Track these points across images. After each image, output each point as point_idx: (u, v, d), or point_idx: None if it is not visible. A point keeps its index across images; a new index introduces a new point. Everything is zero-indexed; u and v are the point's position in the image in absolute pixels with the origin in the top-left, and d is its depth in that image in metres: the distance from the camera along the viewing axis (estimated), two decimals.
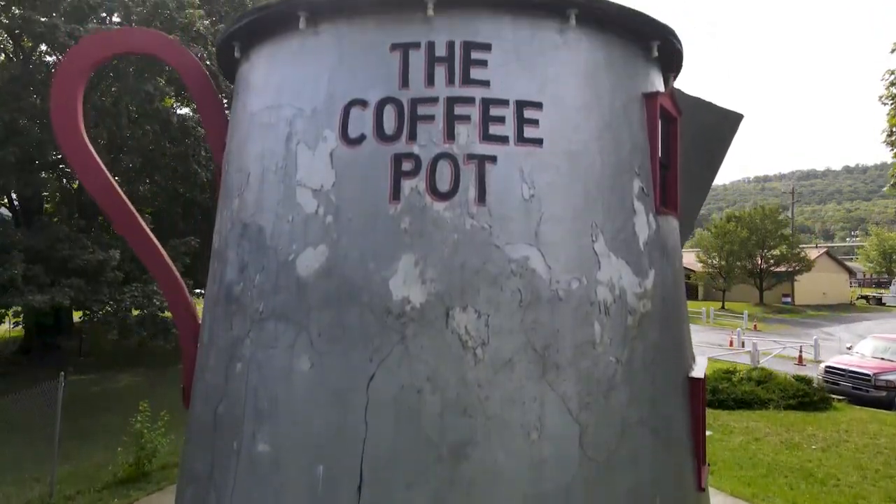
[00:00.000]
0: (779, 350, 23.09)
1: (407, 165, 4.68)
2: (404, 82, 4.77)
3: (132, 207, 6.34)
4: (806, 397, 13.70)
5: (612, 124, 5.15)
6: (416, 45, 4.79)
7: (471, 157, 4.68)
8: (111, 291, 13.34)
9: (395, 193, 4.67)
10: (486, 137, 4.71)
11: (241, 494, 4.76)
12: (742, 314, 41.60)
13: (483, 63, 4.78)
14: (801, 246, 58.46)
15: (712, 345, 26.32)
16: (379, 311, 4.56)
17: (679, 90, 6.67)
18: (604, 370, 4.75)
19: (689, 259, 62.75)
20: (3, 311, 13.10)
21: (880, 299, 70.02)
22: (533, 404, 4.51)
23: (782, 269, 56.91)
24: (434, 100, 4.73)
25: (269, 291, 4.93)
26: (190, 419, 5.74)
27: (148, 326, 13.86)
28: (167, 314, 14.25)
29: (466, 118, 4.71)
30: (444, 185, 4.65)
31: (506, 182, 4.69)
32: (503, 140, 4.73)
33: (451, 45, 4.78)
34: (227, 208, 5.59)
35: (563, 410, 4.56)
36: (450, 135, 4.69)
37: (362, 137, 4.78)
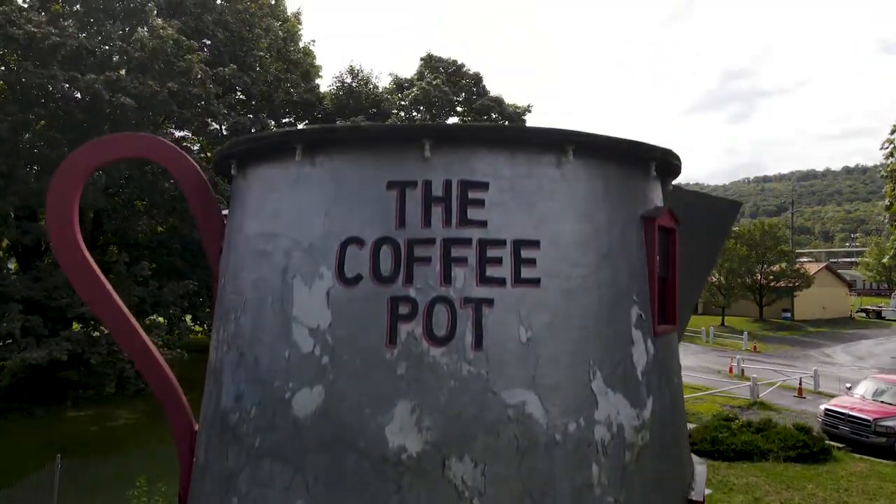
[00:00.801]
0: (779, 380, 23.06)
1: (404, 309, 4.66)
2: (401, 222, 4.75)
3: (133, 320, 6.31)
4: (806, 448, 13.66)
5: (609, 254, 5.13)
6: (413, 184, 4.77)
7: (468, 300, 4.66)
8: (109, 342, 13.33)
9: (392, 338, 4.64)
10: (483, 280, 4.69)
11: None
12: (742, 334, 41.59)
13: (480, 202, 4.77)
14: (800, 260, 58.59)
15: (711, 371, 26.31)
16: (375, 459, 4.53)
17: (678, 187, 6.67)
18: None
19: None
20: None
21: (880, 313, 70.01)
22: None
23: (782, 284, 57.03)
24: (431, 241, 4.71)
25: (265, 428, 4.90)
26: None
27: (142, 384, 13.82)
28: (168, 355, 14.21)
29: (463, 260, 4.69)
30: (440, 329, 4.62)
31: (503, 326, 4.67)
32: (500, 282, 4.70)
33: (448, 185, 4.76)
34: (224, 329, 5.56)
35: None
36: (446, 278, 4.67)
37: (359, 278, 4.76)
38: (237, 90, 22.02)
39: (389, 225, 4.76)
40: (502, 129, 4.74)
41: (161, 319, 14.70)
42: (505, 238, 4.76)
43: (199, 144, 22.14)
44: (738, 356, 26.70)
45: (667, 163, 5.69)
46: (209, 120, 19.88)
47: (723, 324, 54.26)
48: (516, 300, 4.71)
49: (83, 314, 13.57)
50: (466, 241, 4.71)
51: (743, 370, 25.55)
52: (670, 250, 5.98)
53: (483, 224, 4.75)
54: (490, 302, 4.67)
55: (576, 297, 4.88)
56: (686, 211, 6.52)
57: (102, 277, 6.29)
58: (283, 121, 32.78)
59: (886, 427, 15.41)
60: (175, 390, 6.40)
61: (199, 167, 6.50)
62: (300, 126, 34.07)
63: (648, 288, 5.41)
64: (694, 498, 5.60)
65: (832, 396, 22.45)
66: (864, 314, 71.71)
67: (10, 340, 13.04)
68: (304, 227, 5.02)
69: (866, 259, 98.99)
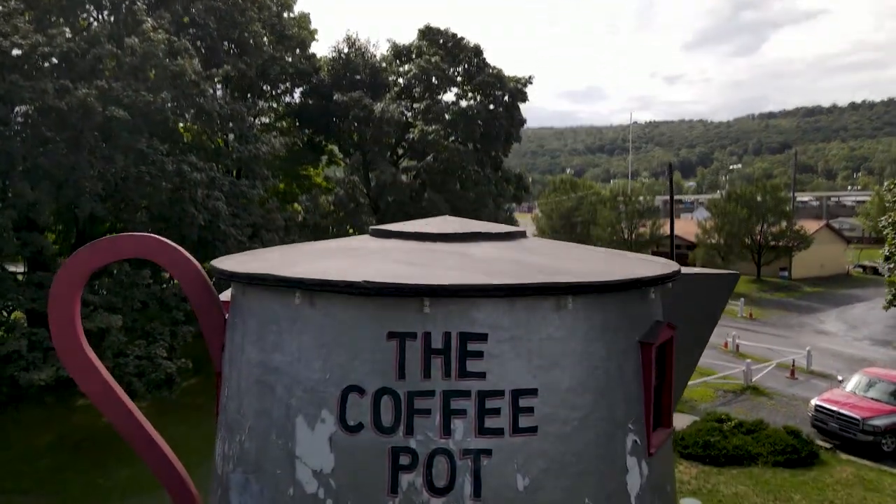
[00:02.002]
0: (773, 362, 23.50)
1: (404, 460, 4.78)
2: (401, 374, 4.82)
3: (136, 411, 6.45)
4: (794, 454, 14.12)
5: (606, 389, 5.22)
6: (413, 336, 4.82)
7: (466, 452, 4.78)
8: (114, 357, 13.56)
9: (393, 487, 4.79)
10: (482, 432, 4.79)
11: None
12: (738, 300, 42.02)
13: (479, 354, 4.82)
14: (799, 222, 58.64)
15: (708, 346, 26.81)
16: None
17: (683, 274, 6.66)
18: None
19: (690, 230, 62.98)
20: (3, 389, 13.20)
21: (876, 269, 70.46)
22: None
23: (781, 244, 57.18)
24: (430, 393, 4.79)
25: None
26: None
27: (152, 387, 14.09)
28: (169, 367, 14.47)
29: (462, 412, 4.79)
30: (440, 480, 4.76)
31: (501, 475, 4.80)
32: (499, 433, 4.81)
33: (447, 337, 4.80)
34: (230, 446, 5.70)
35: None
36: (446, 430, 4.78)
37: (360, 426, 4.86)
38: (231, 77, 21.52)
39: (389, 376, 4.83)
40: (502, 287, 4.73)
41: (162, 325, 14.91)
42: (503, 389, 4.84)
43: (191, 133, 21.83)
44: (733, 333, 27.14)
45: (668, 279, 5.70)
46: (202, 103, 19.57)
47: None
48: (514, 450, 4.83)
49: (87, 331, 13.73)
50: (465, 394, 4.79)
51: (738, 346, 26.02)
52: (668, 357, 6.06)
53: (482, 375, 4.82)
54: (488, 452, 4.79)
55: (572, 439, 5.00)
56: (686, 292, 6.57)
57: (105, 373, 6.39)
58: (279, 89, 32.15)
59: (874, 426, 15.87)
60: (180, 476, 6.60)
61: (198, 266, 6.51)
62: (297, 94, 33.46)
63: (644, 410, 5.53)
64: None
65: (824, 376, 22.98)
66: (861, 269, 72.35)
67: (17, 357, 13.28)
68: (304, 368, 5.09)
69: (867, 207, 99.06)
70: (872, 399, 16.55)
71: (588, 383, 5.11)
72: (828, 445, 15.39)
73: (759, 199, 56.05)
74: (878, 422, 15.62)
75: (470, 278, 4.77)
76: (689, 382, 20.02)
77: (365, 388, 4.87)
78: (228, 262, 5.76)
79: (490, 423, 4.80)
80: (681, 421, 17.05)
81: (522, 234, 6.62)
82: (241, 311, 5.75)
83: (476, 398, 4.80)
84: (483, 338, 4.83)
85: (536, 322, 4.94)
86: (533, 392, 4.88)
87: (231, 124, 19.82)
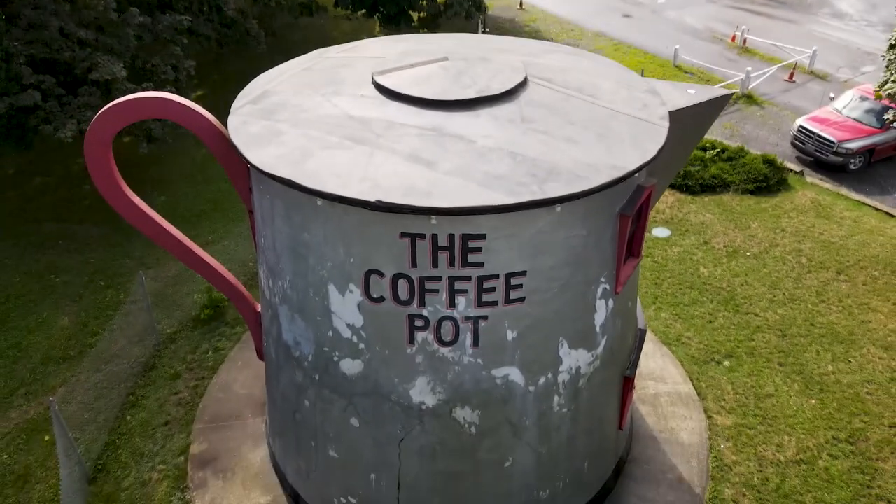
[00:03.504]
0: (776, 61, 23.20)
1: (419, 322, 6.07)
2: (413, 263, 5.77)
3: (178, 233, 7.50)
4: (764, 182, 15.38)
5: (584, 260, 6.21)
6: (422, 237, 5.63)
7: (467, 318, 6.03)
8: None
9: (411, 339, 6.18)
10: (480, 304, 5.97)
11: (322, 474, 7.53)
12: None
13: (478, 249, 5.70)
14: None
15: (715, 39, 26.08)
16: (404, 406, 6.57)
17: (672, 112, 7.04)
18: (558, 421, 6.97)
19: None
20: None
21: None
22: (508, 449, 6.90)
23: None
24: (438, 278, 5.82)
25: (322, 370, 6.80)
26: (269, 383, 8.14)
27: (169, 130, 14.55)
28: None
29: (464, 292, 5.89)
30: (447, 336, 6.13)
31: (495, 331, 6.14)
32: (493, 304, 5.99)
33: (451, 237, 5.62)
34: (274, 283, 6.93)
35: (527, 449, 6.97)
36: (451, 303, 5.95)
37: (382, 298, 6.02)
38: None
39: (404, 265, 5.80)
40: (498, 207, 5.27)
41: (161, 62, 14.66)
42: (498, 273, 5.85)
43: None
44: (742, 26, 26.00)
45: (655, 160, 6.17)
46: None
47: None
48: (505, 314, 6.08)
49: (94, 81, 13.57)
50: (466, 278, 5.83)
51: (745, 40, 25.35)
52: (644, 207, 6.86)
53: (480, 265, 5.78)
54: (485, 317, 6.05)
55: (552, 302, 6.20)
56: (680, 121, 7.07)
57: (153, 213, 7.32)
58: None
59: (846, 149, 16.76)
60: (236, 288, 8.04)
61: (212, 120, 6.83)
62: None
63: (616, 262, 6.60)
64: (627, 375, 7.77)
65: (822, 78, 23.11)
66: None
67: (37, 108, 13.59)
68: (330, 249, 6.02)
69: None
70: (855, 120, 17.20)
71: (569, 259, 6.09)
72: (797, 169, 16.63)
73: None
74: (851, 144, 16.56)
75: (470, 198, 5.32)
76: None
77: (384, 272, 5.89)
78: (248, 145, 6.12)
79: (486, 297, 5.95)
80: None
81: (524, 84, 6.77)
82: (267, 187, 6.37)
83: (475, 281, 5.86)
84: (482, 237, 5.65)
85: (528, 223, 5.69)
86: (522, 273, 5.91)
87: None
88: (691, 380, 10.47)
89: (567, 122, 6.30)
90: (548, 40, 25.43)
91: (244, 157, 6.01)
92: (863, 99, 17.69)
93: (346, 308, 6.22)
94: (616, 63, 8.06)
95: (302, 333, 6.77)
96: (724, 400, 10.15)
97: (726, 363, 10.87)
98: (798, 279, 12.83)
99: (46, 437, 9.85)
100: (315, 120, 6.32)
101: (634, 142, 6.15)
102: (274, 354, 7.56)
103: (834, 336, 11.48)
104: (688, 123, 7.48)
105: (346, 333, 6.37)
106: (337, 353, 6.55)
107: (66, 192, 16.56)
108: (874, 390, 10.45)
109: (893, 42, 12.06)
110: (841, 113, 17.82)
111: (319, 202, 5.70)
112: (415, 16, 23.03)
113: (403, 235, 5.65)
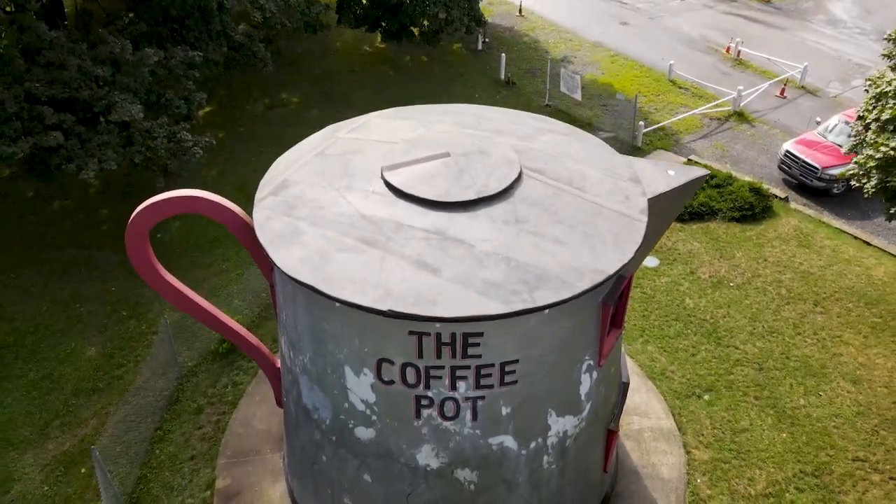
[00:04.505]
0: (769, 76, 23.78)
1: (424, 402, 6.94)
2: (419, 355, 6.62)
3: (211, 307, 8.35)
4: (750, 210, 16.15)
5: (570, 345, 7.07)
6: (428, 335, 6.47)
7: (467, 398, 6.90)
8: (145, 150, 14.49)
9: (418, 415, 7.05)
10: (478, 387, 6.83)
11: None
12: None
13: (477, 344, 6.54)
14: None
15: (710, 49, 26.57)
16: (411, 468, 7.47)
17: (651, 199, 7.83)
18: (548, 476, 7.88)
19: None
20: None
21: None
22: (503, 501, 7.81)
23: None
24: (441, 367, 6.68)
25: (338, 434, 7.69)
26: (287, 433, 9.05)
27: (180, 158, 15.25)
28: (196, 152, 15.53)
29: (465, 378, 6.75)
30: (450, 412, 7.00)
31: (491, 407, 7.02)
32: (490, 386, 6.85)
33: (453, 336, 6.46)
34: (295, 355, 7.78)
35: (521, 500, 7.88)
36: (453, 387, 6.81)
37: (392, 381, 6.88)
38: None
39: (411, 356, 6.65)
40: (494, 316, 6.09)
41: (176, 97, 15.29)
42: (494, 362, 6.70)
43: None
44: (737, 38, 26.49)
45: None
46: None
47: None
48: (501, 394, 6.94)
49: (112, 122, 14.17)
50: (466, 367, 6.68)
51: (739, 52, 25.90)
52: (625, 290, 7.69)
53: (479, 356, 6.62)
54: (482, 397, 6.92)
55: (542, 382, 7.07)
56: (661, 202, 7.88)
57: (182, 287, 8.14)
58: None
59: (829, 175, 17.47)
60: (257, 348, 8.90)
61: (238, 213, 7.64)
62: None
63: (599, 341, 7.45)
64: (611, 428, 8.66)
65: (813, 94, 23.75)
66: None
67: (59, 147, 14.28)
68: (346, 339, 6.86)
69: None
70: (838, 146, 17.89)
71: (556, 346, 6.95)
72: (782, 195, 17.39)
73: None
74: (834, 171, 17.29)
75: (469, 307, 6.13)
76: (677, 117, 21.02)
77: (394, 361, 6.74)
78: (273, 244, 6.92)
79: (484, 381, 6.81)
80: None
81: (518, 180, 7.53)
82: (288, 279, 7.18)
83: (474, 369, 6.71)
84: (480, 335, 6.49)
85: (521, 323, 6.52)
86: (515, 361, 6.77)
87: None
88: (673, 415, 11.39)
89: (556, 221, 7.09)
90: (544, 52, 26.00)
91: (270, 259, 6.83)
92: (846, 124, 18.37)
93: (360, 386, 7.09)
94: (602, 143, 8.82)
95: (321, 401, 7.65)
96: (703, 434, 11.08)
97: (706, 397, 11.78)
98: (777, 311, 13.70)
99: (83, 470, 10.80)
100: (331, 219, 7.10)
101: (616, 240, 6.95)
102: (294, 412, 8.45)
103: (807, 369, 12.38)
104: (666, 204, 8.27)
105: (361, 407, 7.25)
106: (352, 422, 7.43)
107: (84, 215, 17.35)
108: (841, 424, 11.37)
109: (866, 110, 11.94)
110: (826, 138, 18.53)
111: (337, 304, 6.53)
112: (416, 30, 23.58)
113: (412, 333, 6.49)
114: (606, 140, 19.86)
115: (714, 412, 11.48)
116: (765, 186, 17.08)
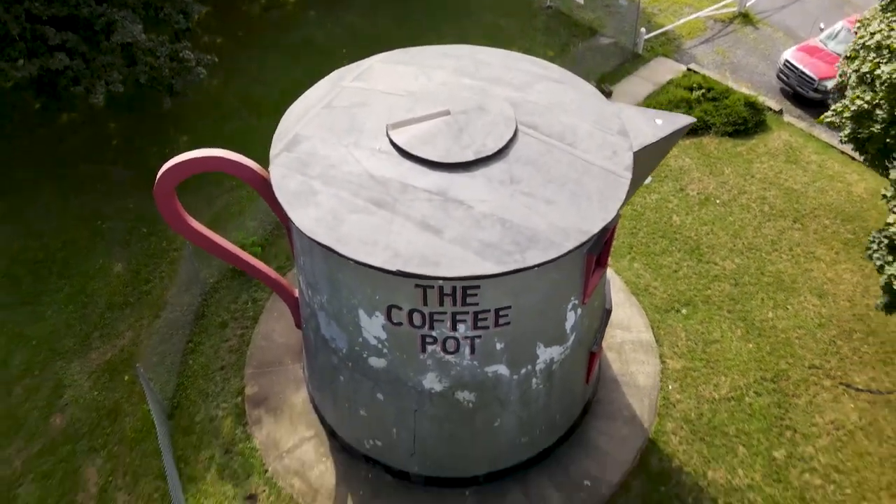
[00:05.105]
0: None
1: (429, 339, 8.00)
2: (424, 303, 7.58)
3: (233, 247, 9.21)
4: (744, 125, 16.46)
5: (558, 290, 8.01)
6: (432, 287, 7.39)
7: (466, 336, 7.96)
8: (149, 68, 14.61)
9: (423, 349, 8.15)
10: (476, 328, 7.86)
11: (353, 424, 9.86)
12: None
13: (475, 295, 7.48)
14: None
15: None
16: (418, 390, 8.69)
17: (638, 151, 8.50)
18: (536, 394, 9.14)
19: None
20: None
21: None
22: (496, 415, 9.13)
23: None
24: (444, 313, 7.67)
25: (354, 361, 8.84)
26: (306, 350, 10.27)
27: (184, 77, 15.37)
28: (200, 72, 15.64)
29: (464, 321, 7.76)
30: (451, 348, 8.09)
31: (487, 344, 8.09)
32: (486, 327, 7.88)
33: (454, 288, 7.38)
34: (313, 293, 8.77)
35: (512, 414, 9.20)
36: (454, 328, 7.84)
37: (400, 324, 7.90)
38: None
39: (417, 303, 7.61)
40: (491, 276, 6.94)
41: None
42: (489, 308, 7.67)
43: None
44: None
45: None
46: None
47: None
48: (495, 333, 7.98)
49: (115, 42, 14.08)
50: (465, 313, 7.67)
51: None
52: (609, 238, 8.50)
53: (476, 304, 7.59)
54: (479, 336, 7.97)
55: (532, 322, 8.08)
56: (647, 152, 8.59)
57: (209, 233, 8.97)
58: None
59: (825, 87, 17.57)
60: (279, 282, 9.87)
61: (256, 169, 8.29)
62: None
63: (584, 282, 8.39)
64: (593, 350, 9.82)
65: None
66: None
67: (66, 69, 14.39)
68: (358, 288, 7.80)
69: None
70: (839, 55, 17.78)
71: (545, 293, 7.90)
72: (777, 108, 17.59)
73: None
74: (830, 83, 17.35)
75: (468, 268, 6.97)
76: (682, 20, 20.62)
77: (402, 307, 7.72)
78: (290, 204, 7.66)
79: (481, 323, 7.82)
80: (660, 76, 18.82)
81: (514, 138, 8.13)
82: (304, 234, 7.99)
83: (472, 314, 7.70)
84: (477, 288, 7.41)
85: (513, 278, 7.41)
86: (508, 307, 7.74)
87: None
88: (652, 328, 12.61)
89: (547, 181, 7.78)
90: None
91: (289, 217, 7.62)
92: (849, 31, 18.21)
93: (372, 326, 8.13)
94: (595, 91, 9.27)
95: (337, 334, 8.74)
96: (678, 346, 12.37)
97: (684, 311, 12.96)
98: (758, 228, 14.59)
99: (126, 377, 12.18)
100: (342, 178, 7.78)
101: (601, 198, 7.68)
102: (313, 339, 9.58)
103: (779, 284, 13.47)
104: (653, 150, 8.91)
105: (373, 342, 8.34)
106: (366, 353, 8.56)
107: (92, 130, 17.75)
108: (802, 335, 12.63)
109: (850, 54, 11.87)
110: (827, 46, 18.44)
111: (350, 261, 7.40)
112: None
113: (417, 286, 7.41)
114: (607, 46, 19.94)
115: (690, 325, 12.70)
116: (760, 100, 17.30)
